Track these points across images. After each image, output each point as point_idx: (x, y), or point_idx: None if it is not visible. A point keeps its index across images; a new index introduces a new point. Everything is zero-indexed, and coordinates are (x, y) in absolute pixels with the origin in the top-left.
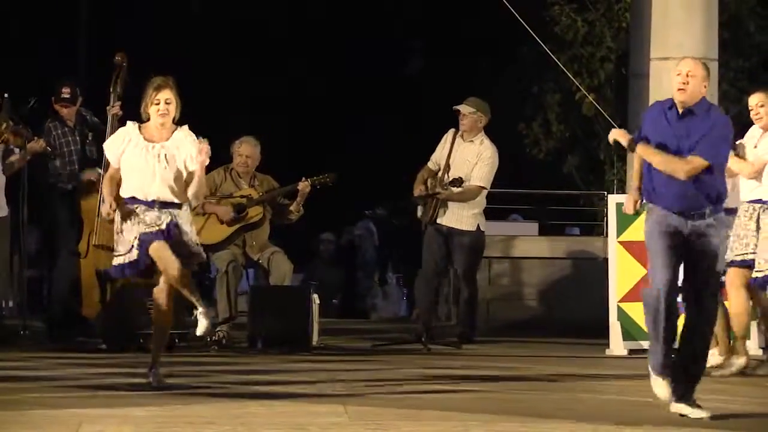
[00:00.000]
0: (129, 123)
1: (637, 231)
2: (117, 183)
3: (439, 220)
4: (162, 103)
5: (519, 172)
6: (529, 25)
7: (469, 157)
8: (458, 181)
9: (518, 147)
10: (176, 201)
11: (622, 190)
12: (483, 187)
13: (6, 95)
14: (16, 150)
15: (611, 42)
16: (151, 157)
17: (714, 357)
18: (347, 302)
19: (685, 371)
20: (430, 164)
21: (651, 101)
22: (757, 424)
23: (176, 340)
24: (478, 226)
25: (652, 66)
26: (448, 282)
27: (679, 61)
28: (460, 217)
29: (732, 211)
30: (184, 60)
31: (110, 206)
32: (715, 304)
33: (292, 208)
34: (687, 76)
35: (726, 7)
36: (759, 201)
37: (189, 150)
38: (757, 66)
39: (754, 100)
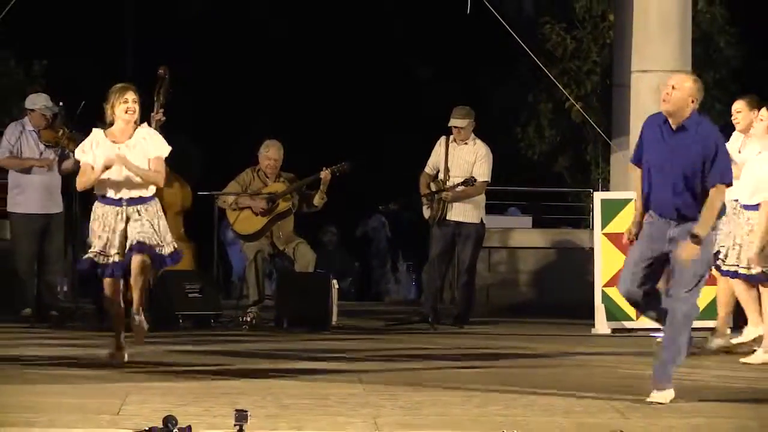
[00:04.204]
0: (94, 129)
1: (620, 224)
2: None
3: (447, 217)
4: (130, 101)
5: (515, 171)
6: (524, 43)
7: (467, 157)
8: (471, 180)
9: (515, 149)
10: (144, 195)
11: (606, 187)
12: (486, 182)
13: (61, 103)
14: (71, 154)
15: (596, 56)
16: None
17: None
18: (363, 287)
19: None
20: (427, 170)
21: (631, 109)
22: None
23: (212, 321)
24: (481, 218)
25: (633, 78)
26: (453, 269)
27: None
28: (465, 211)
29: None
30: (216, 72)
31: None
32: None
33: (316, 196)
34: (672, 88)
35: (699, 26)
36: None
37: (152, 143)
38: (726, 78)
39: (735, 106)
